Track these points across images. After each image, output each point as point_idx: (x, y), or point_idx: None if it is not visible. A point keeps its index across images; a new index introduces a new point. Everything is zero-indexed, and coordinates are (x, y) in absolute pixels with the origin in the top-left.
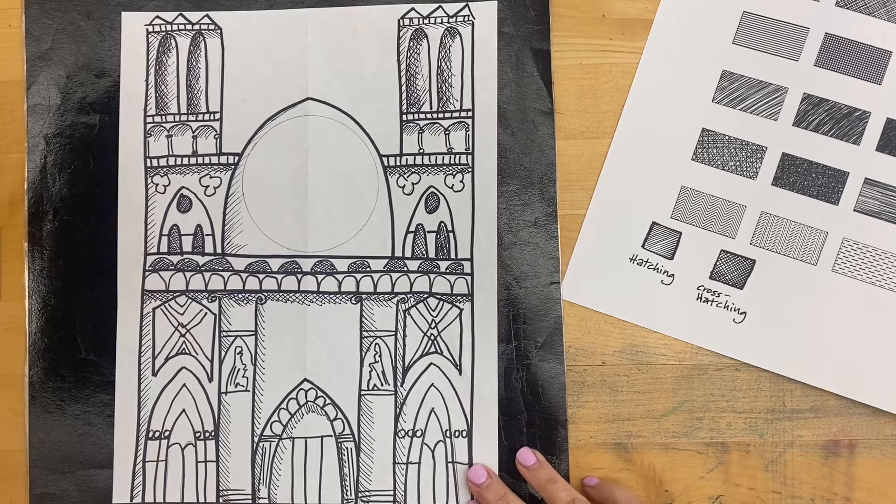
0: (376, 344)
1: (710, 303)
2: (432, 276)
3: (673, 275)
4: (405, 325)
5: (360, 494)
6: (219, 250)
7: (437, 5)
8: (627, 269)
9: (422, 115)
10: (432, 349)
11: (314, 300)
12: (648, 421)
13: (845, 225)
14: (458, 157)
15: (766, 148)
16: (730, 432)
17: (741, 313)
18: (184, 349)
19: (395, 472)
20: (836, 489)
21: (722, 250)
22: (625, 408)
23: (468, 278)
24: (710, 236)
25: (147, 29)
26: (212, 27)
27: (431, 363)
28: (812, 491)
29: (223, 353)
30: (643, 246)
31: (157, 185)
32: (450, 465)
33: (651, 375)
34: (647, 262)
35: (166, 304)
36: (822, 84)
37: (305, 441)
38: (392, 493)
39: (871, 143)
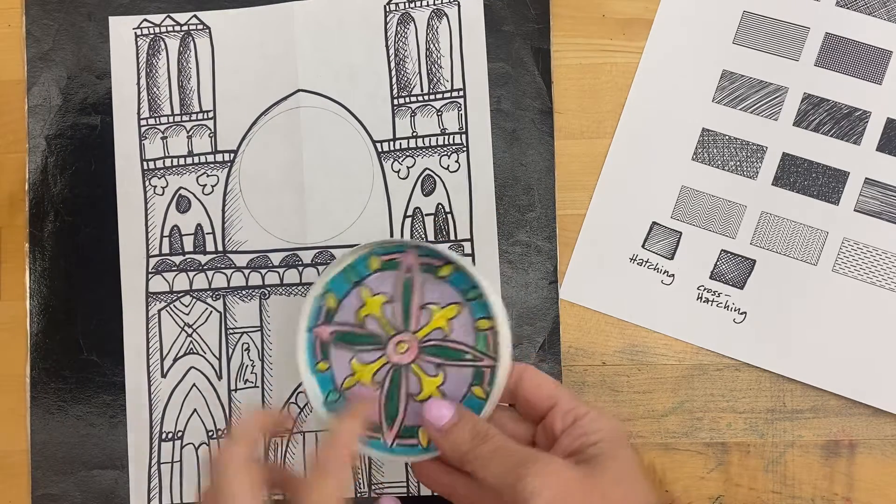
0: None
1: (710, 303)
2: None
3: (673, 275)
4: None
5: (372, 487)
6: (220, 248)
7: None
8: (627, 269)
9: (413, 99)
10: None
11: None
12: (648, 421)
13: (845, 225)
14: (451, 137)
15: (767, 148)
16: (730, 432)
17: (741, 313)
18: (191, 349)
19: (406, 463)
20: (836, 489)
21: (722, 250)
22: (625, 408)
23: (469, 259)
24: (710, 236)
25: (136, 32)
26: (200, 27)
27: None
28: (812, 491)
29: (231, 351)
30: (643, 246)
31: (154, 187)
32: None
33: (651, 375)
34: (647, 262)
35: (171, 305)
36: (822, 84)
37: (316, 434)
38: (405, 483)
39: (871, 143)
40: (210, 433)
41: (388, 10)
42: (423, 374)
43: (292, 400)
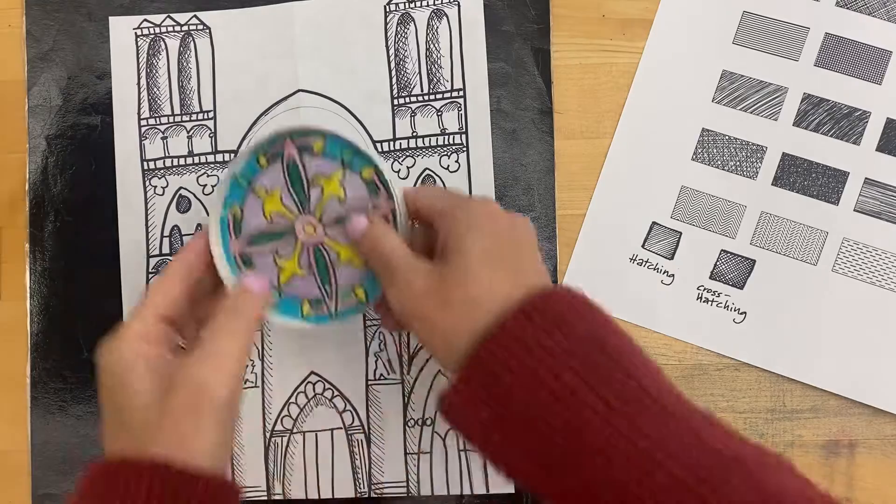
0: (380, 332)
1: (710, 303)
2: None
3: (673, 275)
4: None
5: (373, 486)
6: None
7: None
8: (627, 269)
9: (413, 99)
10: None
11: None
12: None
13: (845, 225)
14: (451, 137)
15: (766, 148)
16: None
17: (741, 313)
18: None
19: (406, 463)
20: (836, 489)
21: (722, 250)
22: None
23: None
24: (710, 236)
25: (136, 32)
26: (200, 27)
27: None
28: None
29: None
30: (643, 246)
31: (155, 187)
32: (462, 454)
33: None
34: (647, 262)
35: None
36: (822, 84)
37: (316, 434)
38: (405, 483)
39: (871, 143)
40: None
41: (388, 10)
42: (337, 244)
43: (292, 400)
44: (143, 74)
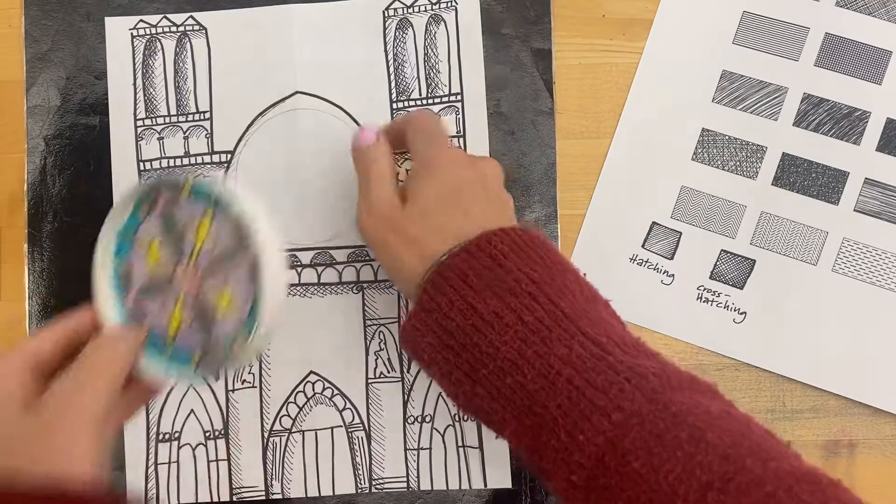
0: (380, 332)
1: (710, 303)
2: None
3: (673, 275)
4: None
5: (373, 482)
6: None
7: None
8: (627, 269)
9: (412, 103)
10: None
11: (315, 292)
12: None
13: (845, 225)
14: (449, 140)
15: (766, 148)
16: None
17: (741, 313)
18: None
19: (406, 459)
20: None
21: (722, 250)
22: None
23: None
24: (710, 236)
25: (132, 33)
26: (196, 28)
27: None
28: None
29: None
30: (643, 246)
31: None
32: (461, 449)
33: None
34: (647, 262)
35: None
36: (822, 84)
37: (316, 433)
38: (405, 478)
39: (871, 143)
40: (207, 434)
41: (386, 15)
42: (215, 291)
43: (291, 399)
44: (140, 75)
